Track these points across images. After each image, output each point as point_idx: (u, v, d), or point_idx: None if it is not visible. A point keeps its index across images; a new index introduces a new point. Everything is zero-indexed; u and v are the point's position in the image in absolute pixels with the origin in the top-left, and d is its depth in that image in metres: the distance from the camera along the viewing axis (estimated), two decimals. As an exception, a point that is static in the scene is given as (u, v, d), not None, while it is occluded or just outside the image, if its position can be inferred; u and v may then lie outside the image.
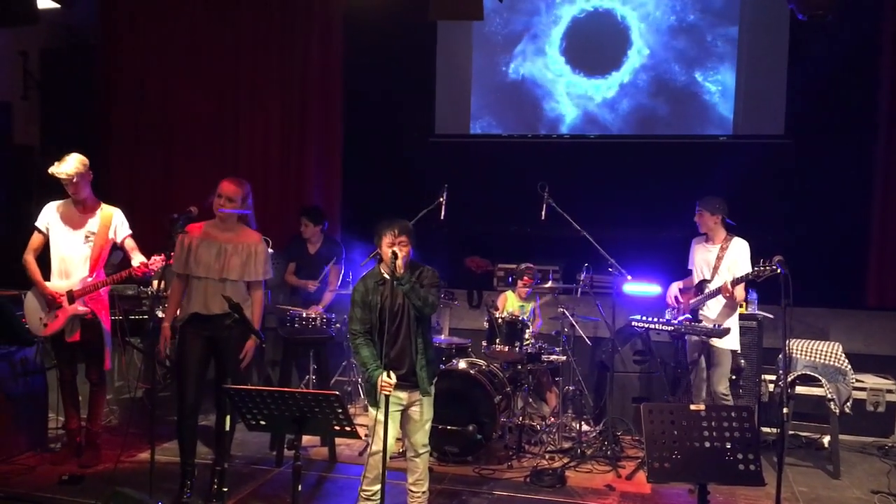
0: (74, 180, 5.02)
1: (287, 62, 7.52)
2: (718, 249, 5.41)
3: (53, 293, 5.08)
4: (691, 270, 5.66)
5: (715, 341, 5.28)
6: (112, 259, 5.53)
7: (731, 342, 5.36)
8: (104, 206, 5.25)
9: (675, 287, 5.70)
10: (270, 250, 6.26)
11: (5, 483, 4.88)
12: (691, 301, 5.49)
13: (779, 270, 4.45)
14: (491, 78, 8.05)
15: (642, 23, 7.62)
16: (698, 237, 5.59)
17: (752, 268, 5.01)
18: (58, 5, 5.75)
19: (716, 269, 5.40)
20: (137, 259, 5.21)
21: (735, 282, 5.14)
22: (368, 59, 7.78)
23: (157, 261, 4.87)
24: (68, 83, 7.61)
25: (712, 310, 5.41)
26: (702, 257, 5.51)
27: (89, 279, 5.12)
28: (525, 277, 6.37)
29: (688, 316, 5.44)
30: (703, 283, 5.44)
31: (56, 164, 5.01)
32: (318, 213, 6.50)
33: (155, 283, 5.99)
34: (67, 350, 5.24)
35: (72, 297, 5.08)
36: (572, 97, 7.87)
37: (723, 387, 5.38)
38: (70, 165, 5.00)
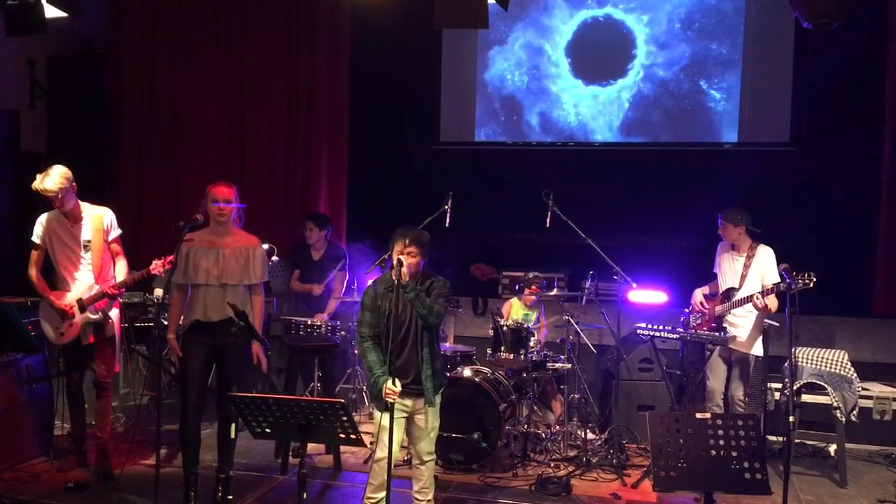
0: (59, 196, 4.93)
1: (293, 70, 7.55)
2: (745, 258, 5.42)
3: (64, 307, 5.10)
4: (716, 274, 5.65)
5: (739, 347, 5.29)
6: None
7: (756, 348, 5.37)
8: (90, 208, 5.20)
9: (699, 293, 5.68)
10: (276, 258, 6.30)
11: (11, 490, 4.89)
12: (717, 308, 5.48)
13: (785, 279, 4.45)
14: (496, 85, 8.06)
15: (647, 31, 7.62)
16: (724, 243, 5.59)
17: (781, 276, 4.97)
18: (65, 14, 5.77)
19: (743, 277, 5.40)
20: (121, 264, 5.22)
21: (765, 293, 5.12)
22: (374, 66, 7.80)
23: (157, 265, 4.89)
24: (75, 91, 7.63)
25: (739, 318, 5.40)
26: (728, 265, 5.51)
27: (97, 286, 5.14)
28: (533, 286, 6.36)
29: (713, 324, 5.45)
30: (731, 290, 5.43)
31: (39, 178, 4.92)
32: (323, 219, 6.53)
33: (159, 290, 6.03)
34: (79, 354, 5.25)
35: (82, 305, 5.10)
36: (577, 105, 7.87)
37: (741, 393, 5.41)
38: (53, 181, 4.89)
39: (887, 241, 6.58)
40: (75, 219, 5.15)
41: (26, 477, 5.15)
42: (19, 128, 7.42)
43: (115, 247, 5.26)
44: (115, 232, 5.28)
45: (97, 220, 5.18)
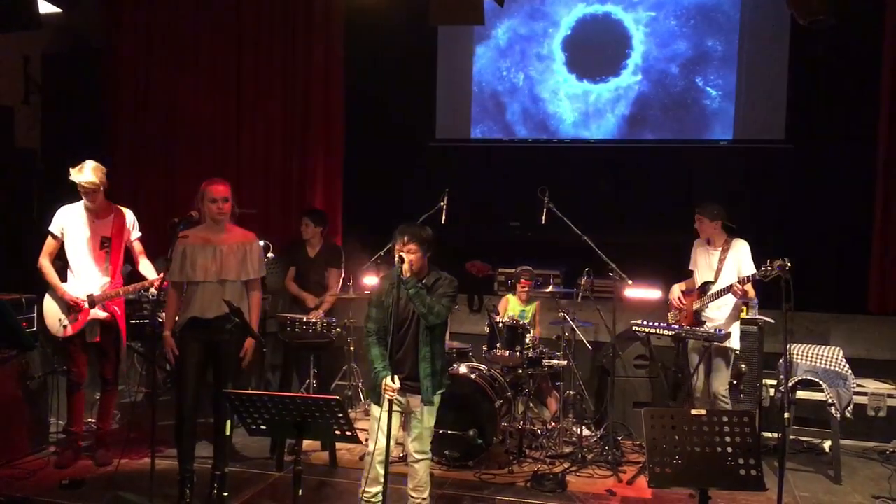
0: (102, 188, 5.05)
1: (289, 67, 7.54)
2: (720, 252, 5.42)
3: (74, 300, 5.09)
4: (692, 272, 5.66)
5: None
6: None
7: (731, 341, 5.37)
8: (115, 207, 5.25)
9: (676, 289, 5.69)
10: (271, 254, 6.28)
11: (6, 487, 4.88)
12: (695, 303, 5.49)
13: (780, 274, 4.46)
14: (491, 82, 8.06)
15: (643, 28, 7.62)
16: (700, 239, 5.60)
17: (759, 268, 5.00)
18: (60, 10, 5.75)
19: (718, 270, 5.41)
20: (144, 263, 5.26)
21: (743, 281, 5.14)
22: (370, 63, 7.80)
23: (156, 284, 4.93)
24: (70, 87, 7.61)
25: (716, 311, 5.41)
26: (704, 260, 5.52)
27: (109, 284, 5.14)
28: (522, 280, 6.36)
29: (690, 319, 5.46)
30: (707, 285, 5.44)
31: (76, 171, 4.98)
32: (319, 215, 6.50)
33: (153, 289, 6.02)
34: (84, 351, 5.25)
35: (92, 301, 5.10)
36: (573, 101, 7.87)
37: (723, 388, 5.39)
38: (95, 175, 4.99)
39: (881, 239, 6.60)
40: (98, 214, 5.16)
41: (21, 474, 5.13)
42: (13, 124, 7.39)
43: (139, 245, 5.32)
44: (137, 233, 5.32)
45: (121, 219, 5.22)
